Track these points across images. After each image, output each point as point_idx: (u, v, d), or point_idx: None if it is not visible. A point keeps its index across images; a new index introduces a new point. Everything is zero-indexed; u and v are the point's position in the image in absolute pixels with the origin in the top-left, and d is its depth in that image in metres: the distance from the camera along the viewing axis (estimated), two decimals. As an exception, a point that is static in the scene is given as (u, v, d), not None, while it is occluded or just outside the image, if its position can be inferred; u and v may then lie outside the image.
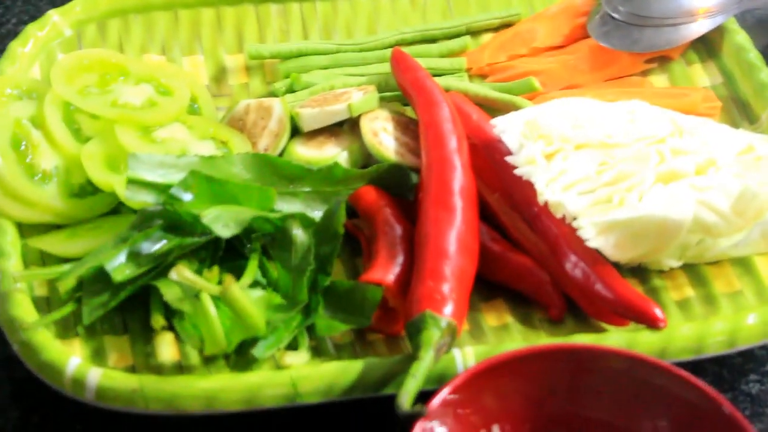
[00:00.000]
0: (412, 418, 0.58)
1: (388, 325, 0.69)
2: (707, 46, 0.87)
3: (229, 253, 0.69)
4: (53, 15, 0.85)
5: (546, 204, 0.70)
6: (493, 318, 0.70)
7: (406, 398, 0.59)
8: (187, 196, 0.70)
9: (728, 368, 0.71)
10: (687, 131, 0.73)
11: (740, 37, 0.86)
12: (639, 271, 0.72)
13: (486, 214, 0.73)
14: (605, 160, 0.71)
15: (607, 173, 0.70)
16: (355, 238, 0.74)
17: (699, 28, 0.85)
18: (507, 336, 0.69)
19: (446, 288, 0.66)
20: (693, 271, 0.73)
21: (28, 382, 0.67)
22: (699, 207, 0.69)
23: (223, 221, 0.68)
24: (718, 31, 0.86)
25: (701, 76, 0.85)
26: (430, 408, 0.58)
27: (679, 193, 0.69)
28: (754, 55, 0.84)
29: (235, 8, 0.88)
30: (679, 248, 0.70)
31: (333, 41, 0.87)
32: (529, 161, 0.72)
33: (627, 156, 0.71)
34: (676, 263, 0.71)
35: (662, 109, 0.75)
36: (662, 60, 0.86)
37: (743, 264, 0.73)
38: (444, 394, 0.59)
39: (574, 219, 0.69)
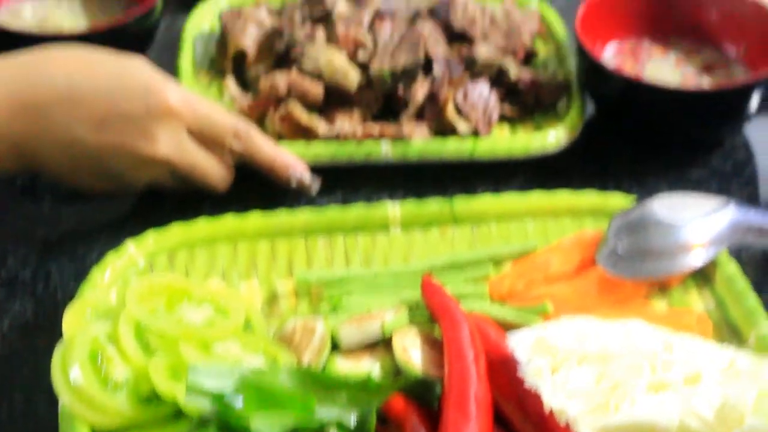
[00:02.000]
0: None
1: None
2: (703, 275, 0.96)
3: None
4: (130, 246, 0.97)
5: (551, 412, 0.79)
6: None
7: None
8: (238, 402, 0.79)
9: None
10: (677, 347, 0.83)
11: (731, 267, 0.95)
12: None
13: (503, 422, 0.83)
14: (603, 371, 0.80)
15: (605, 382, 0.79)
16: (386, 442, 0.82)
17: (695, 260, 0.95)
18: None
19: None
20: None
21: None
22: (685, 414, 0.78)
23: (268, 425, 0.78)
24: (712, 263, 0.96)
25: (696, 301, 0.95)
26: None
27: (668, 401, 0.78)
28: (743, 283, 0.93)
29: (288, 240, 0.99)
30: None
31: (371, 269, 0.97)
32: (536, 374, 0.81)
33: (622, 367, 0.80)
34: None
35: (656, 327, 0.85)
36: (663, 286, 0.95)
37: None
38: None
39: (575, 423, 0.78)
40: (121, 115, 0.95)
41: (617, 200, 1.02)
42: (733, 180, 1.10)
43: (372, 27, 1.15)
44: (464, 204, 1.02)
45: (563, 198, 1.03)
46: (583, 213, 1.03)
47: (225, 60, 1.17)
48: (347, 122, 1.10)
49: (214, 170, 1.01)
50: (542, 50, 1.22)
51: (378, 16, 1.16)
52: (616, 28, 1.19)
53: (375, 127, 1.09)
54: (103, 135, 0.95)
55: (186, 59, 1.17)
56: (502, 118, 1.14)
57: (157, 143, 0.96)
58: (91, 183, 0.98)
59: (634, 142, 1.13)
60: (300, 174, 1.04)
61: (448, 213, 1.02)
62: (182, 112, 0.97)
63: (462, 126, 1.10)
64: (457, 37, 1.16)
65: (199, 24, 1.23)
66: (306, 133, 1.09)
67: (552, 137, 1.10)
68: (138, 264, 0.97)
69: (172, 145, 0.97)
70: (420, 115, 1.11)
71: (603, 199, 1.03)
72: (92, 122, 0.94)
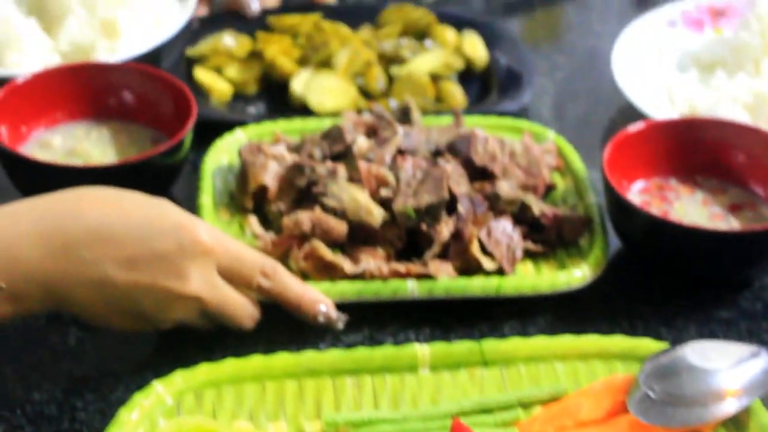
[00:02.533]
0: None
1: None
2: (736, 423, 0.95)
3: None
4: (157, 386, 0.95)
5: None
6: None
7: None
8: None
9: None
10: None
11: (765, 416, 0.93)
12: None
13: None
14: None
15: None
16: None
17: (727, 408, 0.93)
18: None
19: None
20: None
21: None
22: None
23: None
24: (746, 411, 0.94)
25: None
26: None
27: None
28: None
29: (315, 380, 0.98)
30: None
31: (400, 411, 0.95)
32: None
33: None
34: None
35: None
36: (695, 433, 0.94)
37: None
38: None
39: None
40: (153, 253, 0.94)
41: (647, 344, 1.01)
42: (762, 322, 1.09)
43: (393, 164, 1.15)
44: (493, 346, 1.01)
45: (592, 341, 1.02)
46: (613, 356, 1.01)
47: (245, 196, 1.17)
48: (372, 260, 1.09)
49: (243, 308, 1.01)
50: (560, 183, 1.22)
51: (399, 153, 1.16)
52: (643, 166, 1.19)
53: (400, 266, 1.09)
54: (134, 274, 0.94)
55: (206, 195, 1.17)
56: (526, 254, 1.13)
57: (188, 281, 0.96)
58: (121, 322, 0.97)
59: (661, 279, 1.12)
60: (327, 310, 1.03)
61: (478, 355, 1.01)
62: (214, 250, 0.97)
63: (487, 263, 1.10)
64: (478, 173, 1.16)
65: (218, 159, 1.23)
66: (331, 271, 1.09)
67: (578, 274, 1.09)
68: (166, 402, 0.95)
69: (203, 283, 0.97)
70: (444, 253, 1.10)
71: (633, 343, 1.01)
72: (123, 261, 0.94)
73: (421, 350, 1.00)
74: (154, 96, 1.22)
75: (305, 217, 1.11)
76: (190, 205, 1.15)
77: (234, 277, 1.00)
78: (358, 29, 1.43)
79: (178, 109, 1.19)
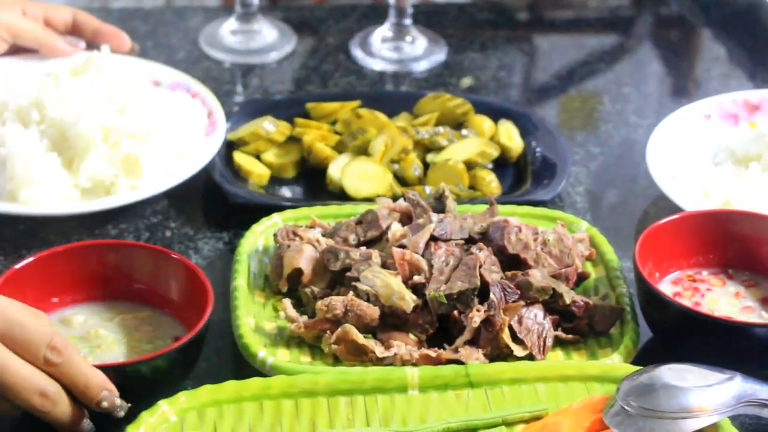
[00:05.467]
0: None
1: None
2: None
3: None
4: (162, 405, 1.02)
5: None
6: None
7: None
8: None
9: None
10: None
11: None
12: None
13: None
14: None
15: None
16: None
17: (698, 423, 0.98)
18: None
19: None
20: None
21: None
22: None
23: None
24: (714, 427, 0.99)
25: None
26: None
27: None
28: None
29: (311, 400, 1.04)
30: None
31: (390, 427, 1.01)
32: None
33: None
34: None
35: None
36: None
37: None
38: None
39: None
40: None
41: (624, 368, 1.07)
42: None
43: (427, 250, 1.16)
44: (478, 369, 1.06)
45: (572, 365, 1.08)
46: (592, 378, 1.07)
47: (280, 279, 1.18)
48: (403, 345, 1.10)
49: (29, 378, 0.97)
50: (592, 273, 1.22)
51: (433, 239, 1.18)
52: (676, 258, 1.20)
53: (431, 352, 1.09)
54: None
55: (241, 278, 1.18)
56: (557, 341, 1.13)
57: None
58: None
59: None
60: (110, 396, 1.00)
61: (464, 377, 1.06)
62: None
63: (518, 350, 1.10)
64: (511, 261, 1.17)
65: (254, 242, 1.24)
66: (362, 355, 1.10)
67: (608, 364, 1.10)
68: (170, 419, 1.02)
69: None
70: (475, 339, 1.11)
71: (610, 366, 1.08)
72: None
73: (411, 373, 1.06)
74: (176, 282, 1.15)
75: (338, 301, 1.12)
76: (225, 287, 1.17)
77: (17, 346, 0.97)
78: (395, 117, 1.45)
79: (196, 295, 1.12)
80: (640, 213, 1.37)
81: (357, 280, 1.14)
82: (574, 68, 1.66)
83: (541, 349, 1.11)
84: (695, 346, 1.11)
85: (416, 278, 1.14)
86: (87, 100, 1.33)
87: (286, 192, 1.38)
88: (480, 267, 1.13)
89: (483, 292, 1.12)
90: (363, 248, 1.18)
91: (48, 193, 1.27)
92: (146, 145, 1.31)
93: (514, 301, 1.12)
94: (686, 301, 1.16)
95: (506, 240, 1.17)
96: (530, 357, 1.10)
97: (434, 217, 1.19)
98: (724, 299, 1.17)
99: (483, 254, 1.15)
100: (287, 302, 1.16)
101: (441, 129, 1.41)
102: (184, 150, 1.34)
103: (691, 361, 1.11)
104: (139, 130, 1.31)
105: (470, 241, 1.19)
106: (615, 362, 1.10)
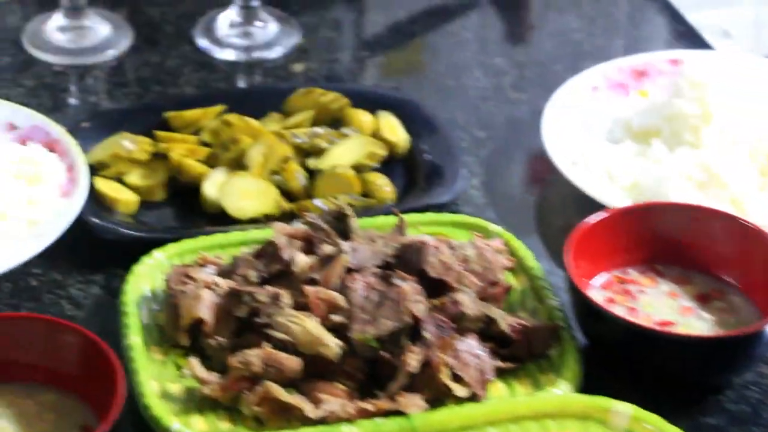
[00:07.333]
0: None
1: None
2: None
3: None
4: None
5: None
6: None
7: None
8: None
9: None
10: None
11: None
12: None
13: None
14: None
15: None
16: None
17: None
18: None
19: None
20: None
21: None
22: None
23: None
24: None
25: None
26: None
27: None
28: None
29: None
30: None
31: None
32: None
33: None
34: None
35: None
36: None
37: None
38: None
39: None
40: None
41: (578, 400, 0.99)
42: (753, 427, 1.03)
43: (342, 284, 1.05)
44: (424, 420, 0.97)
45: (522, 403, 0.99)
46: (545, 416, 0.98)
47: (179, 332, 1.05)
48: (334, 400, 0.99)
49: None
50: (514, 283, 1.13)
51: (347, 271, 1.06)
52: (601, 259, 1.12)
53: (368, 405, 0.99)
54: None
55: (135, 335, 1.05)
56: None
57: None
58: None
59: (639, 383, 1.05)
60: None
61: (410, 431, 0.97)
62: None
63: (459, 390, 1.01)
64: (431, 284, 1.06)
65: (138, 287, 1.10)
66: (289, 414, 0.98)
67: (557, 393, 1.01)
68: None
69: None
70: (410, 383, 1.00)
71: (564, 400, 1.00)
72: None
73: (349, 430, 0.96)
74: (71, 354, 1.00)
75: (254, 356, 1.00)
76: (110, 340, 1.01)
77: None
78: (263, 117, 1.31)
79: (96, 366, 0.98)
80: (539, 203, 1.29)
81: (268, 326, 1.02)
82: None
83: (482, 383, 1.02)
84: (643, 361, 1.04)
85: (335, 318, 1.03)
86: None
87: (157, 217, 1.24)
88: (407, 301, 1.02)
89: (412, 327, 1.02)
90: (269, 287, 1.05)
91: None
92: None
93: (450, 336, 1.02)
94: (621, 308, 1.08)
95: (426, 264, 1.07)
96: (473, 395, 1.01)
97: (345, 245, 1.07)
98: (659, 301, 1.10)
99: (407, 285, 1.04)
100: (194, 361, 1.03)
101: (320, 130, 1.29)
102: (38, 216, 1.15)
103: (635, 375, 1.05)
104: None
105: (386, 266, 1.08)
106: (565, 392, 1.01)
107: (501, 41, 1.57)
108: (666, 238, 1.13)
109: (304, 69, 1.46)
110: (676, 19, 1.58)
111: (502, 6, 1.62)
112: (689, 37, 1.54)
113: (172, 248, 1.14)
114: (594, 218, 1.11)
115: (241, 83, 1.45)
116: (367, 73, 1.51)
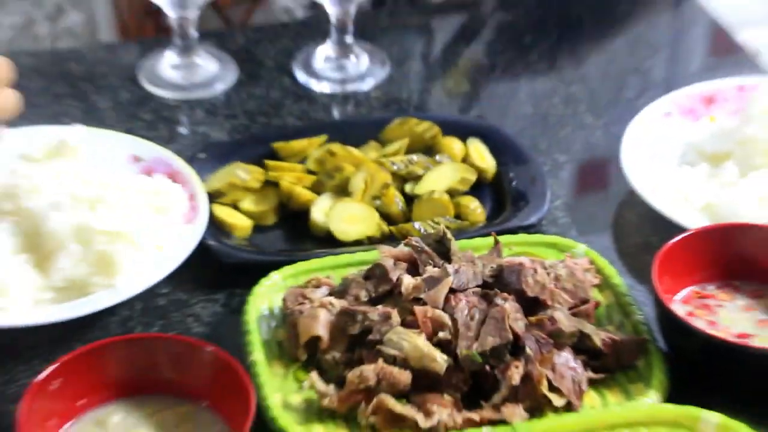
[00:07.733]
0: None
1: None
2: None
3: None
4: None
5: None
6: None
7: None
8: None
9: None
10: None
11: None
12: None
13: None
14: None
15: None
16: None
17: None
18: None
19: None
20: None
21: None
22: None
23: None
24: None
25: None
26: None
27: None
28: None
29: None
30: None
31: None
32: None
33: None
34: None
35: None
36: None
37: None
38: None
39: None
40: None
41: (670, 410, 1.07)
42: None
43: (447, 304, 1.15)
44: (528, 428, 1.06)
45: (617, 412, 1.08)
46: (639, 424, 1.06)
47: (298, 348, 1.16)
48: (443, 410, 1.09)
49: None
50: (601, 299, 1.23)
51: (452, 292, 1.16)
52: (682, 276, 1.21)
53: (474, 414, 1.09)
54: None
55: (258, 351, 1.15)
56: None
57: None
58: None
59: (722, 393, 1.13)
60: None
61: None
62: None
63: (556, 400, 1.10)
64: (528, 303, 1.16)
65: (258, 306, 1.21)
66: (401, 423, 1.08)
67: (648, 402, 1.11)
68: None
69: None
70: (512, 394, 1.10)
71: (656, 409, 1.07)
72: None
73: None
74: (206, 371, 1.10)
75: (369, 371, 1.10)
76: (235, 354, 1.12)
77: None
78: (363, 146, 1.42)
79: (229, 383, 1.08)
80: (617, 222, 1.38)
81: (379, 342, 1.12)
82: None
83: (578, 393, 1.11)
84: (727, 375, 1.13)
85: (441, 335, 1.13)
86: (59, 191, 1.25)
87: (269, 240, 1.35)
88: (508, 319, 1.12)
89: (513, 343, 1.12)
90: (380, 307, 1.16)
91: (16, 298, 1.19)
92: (121, 242, 1.23)
93: (548, 351, 1.12)
94: (701, 322, 1.17)
95: (524, 284, 1.17)
96: (568, 404, 1.10)
97: (450, 268, 1.17)
98: (737, 315, 1.19)
99: (508, 305, 1.14)
100: (315, 375, 1.13)
101: (415, 157, 1.39)
102: (163, 241, 1.27)
103: (719, 385, 1.14)
104: (113, 227, 1.23)
105: (485, 285, 1.18)
106: (655, 401, 1.11)
107: (574, 69, 1.66)
108: (742, 255, 1.22)
109: (393, 99, 1.57)
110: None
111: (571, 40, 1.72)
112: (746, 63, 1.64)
113: (287, 270, 1.25)
114: (676, 238, 1.20)
115: (337, 113, 1.56)
116: (452, 101, 1.61)
